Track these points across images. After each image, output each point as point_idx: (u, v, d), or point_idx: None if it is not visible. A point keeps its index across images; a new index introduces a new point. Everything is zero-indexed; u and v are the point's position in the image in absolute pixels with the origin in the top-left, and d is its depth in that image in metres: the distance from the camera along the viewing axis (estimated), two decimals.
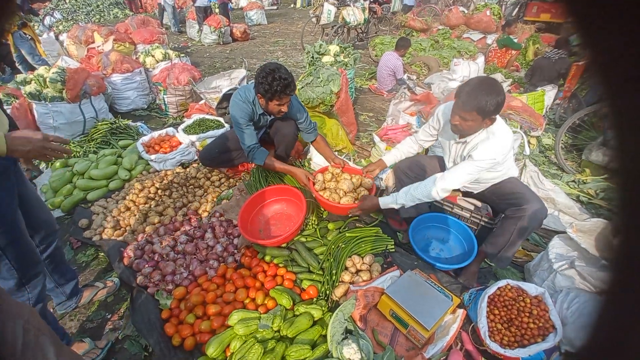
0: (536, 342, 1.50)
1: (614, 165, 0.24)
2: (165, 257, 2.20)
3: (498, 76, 5.23)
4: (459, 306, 1.89)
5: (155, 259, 2.20)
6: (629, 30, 0.20)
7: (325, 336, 1.71)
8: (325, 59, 4.70)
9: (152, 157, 3.12)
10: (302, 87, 3.66)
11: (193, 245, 2.23)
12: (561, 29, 9.60)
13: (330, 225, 2.39)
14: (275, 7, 16.14)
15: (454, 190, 2.60)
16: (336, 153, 3.12)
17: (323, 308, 1.87)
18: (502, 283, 1.77)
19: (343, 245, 2.20)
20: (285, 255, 2.16)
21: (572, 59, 4.89)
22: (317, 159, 3.07)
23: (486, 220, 2.23)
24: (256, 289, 1.97)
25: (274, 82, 2.12)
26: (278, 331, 1.75)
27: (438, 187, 1.92)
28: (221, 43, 9.07)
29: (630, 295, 0.27)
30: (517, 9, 10.62)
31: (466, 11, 9.92)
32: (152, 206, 2.65)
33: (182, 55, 5.58)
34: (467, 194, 2.44)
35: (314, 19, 8.74)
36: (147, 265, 2.14)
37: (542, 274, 1.99)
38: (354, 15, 7.87)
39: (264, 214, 2.42)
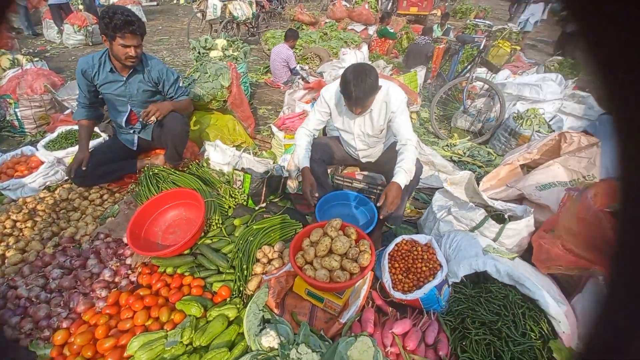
0: (428, 281, 1.72)
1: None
2: (36, 300, 1.82)
3: (380, 62, 5.77)
4: None
5: (22, 304, 1.80)
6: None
7: (243, 333, 1.65)
8: (213, 53, 4.48)
9: (4, 184, 2.54)
10: (190, 84, 3.42)
11: (71, 278, 1.90)
12: (426, 20, 11.17)
13: (237, 222, 2.31)
14: (155, 3, 14.69)
15: (352, 167, 2.79)
16: (234, 148, 3.02)
17: (238, 306, 1.80)
18: (398, 239, 1.97)
19: (252, 239, 2.15)
20: (190, 262, 2.01)
21: (435, 44, 5.71)
22: (215, 157, 2.93)
23: (380, 188, 2.45)
24: (159, 306, 1.78)
25: (115, 15, 2.05)
26: (190, 343, 1.62)
27: (413, 144, 2.02)
28: (90, 44, 7.84)
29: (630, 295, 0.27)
30: (390, 3, 11.92)
31: (348, 5, 10.66)
32: (9, 244, 2.15)
33: (37, 60, 4.64)
34: (364, 168, 2.64)
35: (199, 15, 8.24)
36: (13, 315, 1.74)
37: (429, 225, 2.29)
38: (242, 9, 7.69)
39: (160, 224, 2.19)
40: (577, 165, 2.26)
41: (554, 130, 3.35)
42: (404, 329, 1.58)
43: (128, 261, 2.07)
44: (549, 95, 3.69)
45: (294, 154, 2.34)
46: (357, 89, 1.84)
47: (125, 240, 2.16)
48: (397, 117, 2.07)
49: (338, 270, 1.66)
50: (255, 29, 8.59)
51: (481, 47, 4.13)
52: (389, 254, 1.89)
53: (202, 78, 3.47)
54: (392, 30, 8.05)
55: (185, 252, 2.06)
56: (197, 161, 2.93)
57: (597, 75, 0.25)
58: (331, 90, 2.20)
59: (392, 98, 2.04)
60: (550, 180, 2.27)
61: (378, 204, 1.85)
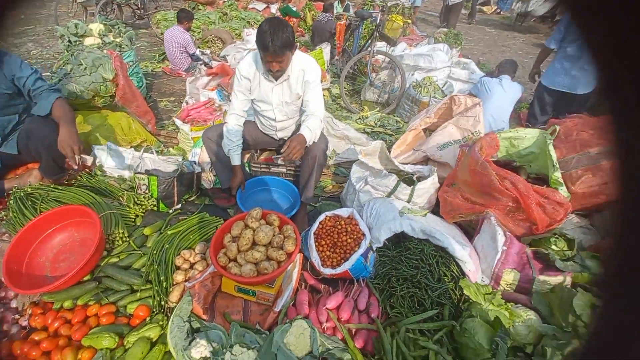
0: (354, 252, 1.79)
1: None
2: None
3: None
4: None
5: None
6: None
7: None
8: (88, 41, 3.81)
9: None
10: (61, 80, 2.86)
11: None
12: None
13: (147, 230, 2.07)
14: None
15: (269, 152, 2.71)
16: (132, 149, 2.67)
17: (161, 322, 1.63)
18: (321, 217, 2.00)
19: (167, 246, 1.95)
20: (93, 289, 1.73)
21: (336, 20, 5.79)
22: (110, 162, 2.54)
23: (298, 170, 2.43)
24: (61, 348, 1.51)
25: None
26: None
27: (319, 117, 2.08)
28: None
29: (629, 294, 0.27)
30: None
31: None
32: None
33: None
34: (280, 153, 2.59)
35: None
36: None
37: (351, 197, 2.37)
38: None
39: (45, 252, 1.83)
40: (466, 124, 2.56)
41: (446, 95, 3.74)
42: (338, 302, 1.62)
43: (14, 304, 1.71)
44: (439, 64, 4.09)
45: (224, 142, 2.19)
46: (275, 37, 1.78)
47: (2, 279, 1.76)
48: (311, 89, 2.10)
49: (264, 261, 1.61)
50: (142, 11, 7.58)
51: (377, 22, 4.32)
52: (314, 233, 1.90)
53: (77, 71, 2.93)
54: (294, 9, 7.93)
55: (85, 278, 1.77)
56: (88, 170, 2.51)
57: (597, 72, 0.25)
58: (246, 62, 2.12)
59: (309, 68, 2.07)
60: (447, 140, 2.54)
61: (282, 151, 1.84)
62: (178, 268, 1.89)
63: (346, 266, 1.74)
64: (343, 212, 2.05)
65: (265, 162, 2.59)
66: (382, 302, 1.68)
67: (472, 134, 2.53)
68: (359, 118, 3.87)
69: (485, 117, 3.02)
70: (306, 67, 2.08)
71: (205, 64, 4.74)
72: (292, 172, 2.49)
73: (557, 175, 1.94)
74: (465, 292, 1.62)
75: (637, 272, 0.26)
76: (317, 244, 1.88)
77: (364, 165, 2.46)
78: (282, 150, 1.85)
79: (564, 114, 2.59)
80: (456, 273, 1.71)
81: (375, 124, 3.75)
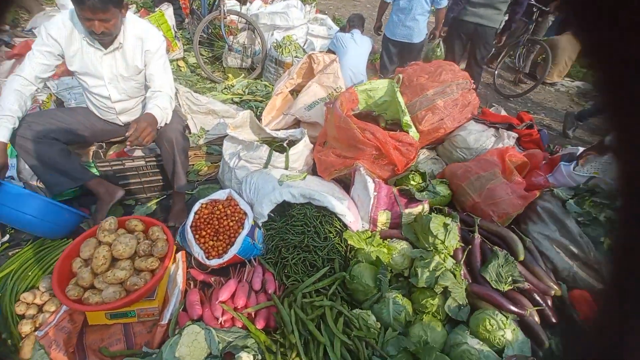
0: (239, 234, 1.71)
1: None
2: None
3: None
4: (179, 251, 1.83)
5: None
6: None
7: None
8: None
9: None
10: None
11: None
12: None
13: None
14: None
15: (121, 143, 2.28)
16: None
17: None
18: (196, 207, 1.82)
19: (1, 294, 1.49)
20: None
21: None
22: None
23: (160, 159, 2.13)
24: None
25: None
26: None
27: (169, 93, 1.86)
28: None
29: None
30: None
31: None
32: None
33: None
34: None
35: None
36: None
37: (228, 176, 2.23)
38: None
39: None
40: (327, 81, 2.63)
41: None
42: (231, 291, 1.54)
43: None
44: (296, 22, 4.03)
45: None
46: None
47: None
48: (153, 60, 1.83)
49: (131, 277, 1.38)
50: None
51: None
52: (191, 227, 1.73)
53: None
54: None
55: None
56: None
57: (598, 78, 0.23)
58: (58, 20, 1.67)
59: (149, 35, 1.81)
60: (313, 99, 2.58)
61: (127, 134, 1.54)
62: (22, 317, 1.49)
63: (233, 251, 1.65)
64: (220, 195, 1.91)
65: (117, 157, 2.17)
66: (277, 275, 1.69)
67: (335, 90, 2.63)
68: (225, 88, 3.59)
69: (345, 72, 3.18)
70: (145, 35, 1.80)
71: (6, 44, 3.56)
72: (154, 163, 2.16)
73: (407, 119, 2.20)
74: (349, 242, 1.75)
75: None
76: (197, 236, 1.72)
77: (235, 139, 2.31)
78: (127, 134, 1.54)
79: (407, 62, 2.92)
80: (340, 227, 1.82)
81: (244, 91, 3.54)
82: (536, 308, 1.61)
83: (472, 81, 2.57)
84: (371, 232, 1.90)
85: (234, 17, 4.00)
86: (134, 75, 1.88)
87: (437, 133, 2.45)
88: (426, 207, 1.95)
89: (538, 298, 1.65)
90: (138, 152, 2.32)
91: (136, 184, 2.23)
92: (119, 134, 2.15)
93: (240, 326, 1.44)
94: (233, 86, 3.58)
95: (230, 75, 3.79)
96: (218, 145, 2.83)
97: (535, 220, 1.97)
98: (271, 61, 3.69)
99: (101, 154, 2.14)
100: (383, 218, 1.91)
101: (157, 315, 1.55)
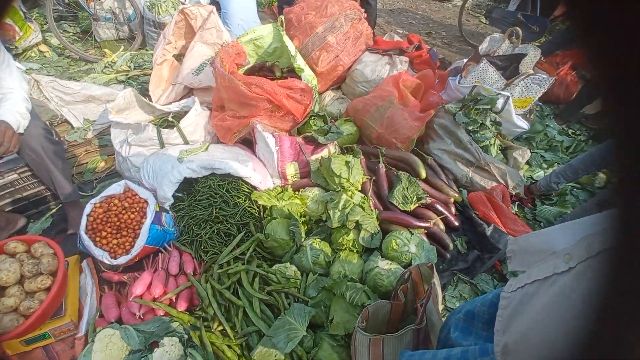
0: (143, 224, 1.65)
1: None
2: None
3: None
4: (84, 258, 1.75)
5: None
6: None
7: None
8: None
9: None
10: None
11: None
12: None
13: None
14: None
15: None
16: None
17: None
18: (88, 209, 1.68)
19: None
20: None
21: None
22: None
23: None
24: None
25: None
26: None
27: (21, 94, 1.65)
28: None
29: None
30: None
31: None
32: None
33: None
34: None
35: None
36: None
37: (125, 166, 2.07)
38: None
39: None
40: (211, 38, 2.43)
41: None
42: (146, 283, 1.53)
43: None
44: None
45: None
46: None
47: None
48: None
49: (24, 301, 1.30)
50: None
51: None
52: (85, 231, 1.63)
53: None
54: None
55: None
56: None
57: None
58: None
59: None
60: (201, 61, 2.40)
61: None
62: None
63: (140, 243, 1.60)
64: (115, 188, 1.79)
65: None
66: (195, 254, 1.69)
67: (222, 46, 2.45)
68: (106, 67, 3.19)
69: (234, 23, 2.97)
70: None
71: None
72: (30, 174, 1.94)
73: (298, 63, 2.16)
74: (260, 202, 1.78)
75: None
76: (96, 239, 1.63)
77: (122, 124, 2.12)
78: None
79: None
80: (249, 190, 1.83)
81: (129, 67, 3.18)
82: (440, 217, 1.83)
83: (362, 10, 2.55)
84: (283, 186, 1.94)
85: None
86: None
87: (336, 71, 2.45)
88: (331, 149, 2.02)
89: (441, 208, 1.86)
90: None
91: (20, 201, 2.01)
92: None
93: (162, 314, 1.46)
94: (115, 63, 3.20)
95: (107, 50, 3.35)
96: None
97: (434, 138, 2.15)
98: (150, 25, 3.30)
99: None
100: (291, 170, 1.95)
101: (74, 329, 1.51)
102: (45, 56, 3.37)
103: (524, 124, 2.20)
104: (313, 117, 2.10)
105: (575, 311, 0.54)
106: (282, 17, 2.29)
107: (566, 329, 0.54)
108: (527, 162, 2.31)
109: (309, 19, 2.42)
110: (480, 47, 2.22)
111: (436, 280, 1.31)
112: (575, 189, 2.25)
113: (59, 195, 1.88)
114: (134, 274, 1.66)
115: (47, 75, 2.81)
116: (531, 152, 2.32)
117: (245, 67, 2.28)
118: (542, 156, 2.43)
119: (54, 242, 1.48)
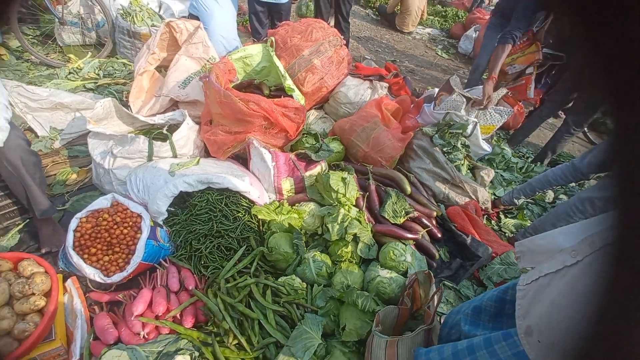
0: (138, 239, 1.61)
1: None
2: None
3: None
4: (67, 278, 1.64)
5: None
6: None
7: None
8: None
9: None
10: None
11: None
12: None
13: None
14: None
15: None
16: None
17: None
18: (73, 224, 1.60)
19: None
20: None
21: None
22: None
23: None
24: None
25: None
26: None
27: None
28: None
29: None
30: None
31: None
32: None
33: None
34: None
35: None
36: None
37: (106, 179, 2.00)
38: None
39: None
40: (197, 52, 2.47)
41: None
42: (146, 301, 1.49)
43: None
44: None
45: None
46: None
47: None
48: None
49: (18, 324, 1.21)
50: None
51: None
52: (72, 248, 1.54)
53: None
54: None
55: None
56: None
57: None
58: None
59: None
60: (186, 75, 2.42)
61: None
62: None
63: (137, 259, 1.56)
64: (101, 202, 1.73)
65: None
66: (195, 269, 1.68)
67: (208, 61, 2.50)
68: (70, 73, 3.02)
69: (216, 40, 3.02)
70: None
71: None
72: (3, 185, 1.78)
73: (289, 82, 2.29)
74: (260, 217, 1.84)
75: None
76: (86, 256, 1.55)
77: (101, 135, 2.05)
78: None
79: (277, 23, 2.93)
80: (247, 204, 1.88)
81: (97, 74, 3.05)
82: (426, 230, 2.03)
83: (342, 37, 2.78)
84: (279, 201, 2.01)
85: None
86: None
87: (321, 92, 2.62)
88: (324, 165, 2.15)
89: (426, 221, 2.06)
90: None
91: None
92: None
93: (167, 332, 1.44)
94: (81, 69, 3.04)
95: (71, 55, 3.18)
96: (82, 145, 2.46)
97: (414, 157, 2.39)
98: (123, 33, 3.21)
99: None
100: (287, 185, 2.04)
101: (65, 354, 1.41)
102: (2, 59, 3.10)
103: (487, 147, 2.54)
104: (305, 135, 2.22)
105: (584, 296, 0.72)
106: (273, 38, 2.42)
107: (579, 311, 0.71)
108: (490, 181, 2.65)
109: (294, 42, 2.57)
110: (450, 79, 2.54)
111: (434, 286, 1.48)
112: (530, 204, 2.63)
113: (34, 211, 1.75)
114: (129, 292, 1.60)
115: (6, 78, 2.60)
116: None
117: (233, 83, 2.35)
118: (501, 175, 2.80)
119: (42, 259, 1.40)
